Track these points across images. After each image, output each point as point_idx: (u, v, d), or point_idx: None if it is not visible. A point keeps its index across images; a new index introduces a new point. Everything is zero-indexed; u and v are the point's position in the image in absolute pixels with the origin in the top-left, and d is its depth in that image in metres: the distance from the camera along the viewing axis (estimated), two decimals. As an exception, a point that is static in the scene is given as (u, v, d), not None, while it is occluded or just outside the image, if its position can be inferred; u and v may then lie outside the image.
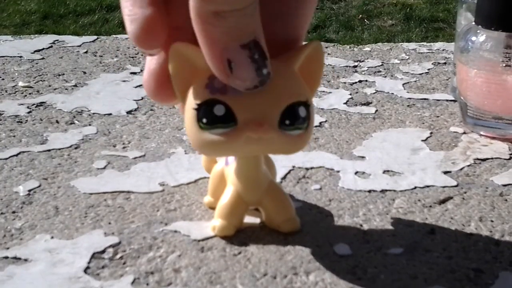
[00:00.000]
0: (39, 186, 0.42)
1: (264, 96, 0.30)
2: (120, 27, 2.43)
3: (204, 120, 0.30)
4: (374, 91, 0.59)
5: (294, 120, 0.31)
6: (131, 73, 0.64)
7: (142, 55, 0.69)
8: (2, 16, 2.59)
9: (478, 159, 0.46)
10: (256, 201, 0.36)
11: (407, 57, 0.69)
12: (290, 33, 0.33)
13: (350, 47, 0.73)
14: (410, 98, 0.58)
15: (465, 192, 0.42)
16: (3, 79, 0.62)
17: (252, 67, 0.29)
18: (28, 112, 0.54)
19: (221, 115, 0.30)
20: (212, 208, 0.38)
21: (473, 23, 0.51)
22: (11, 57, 0.68)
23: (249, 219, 0.37)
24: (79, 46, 0.72)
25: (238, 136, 0.30)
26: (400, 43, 0.74)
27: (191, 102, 0.31)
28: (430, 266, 0.34)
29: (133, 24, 0.30)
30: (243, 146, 0.31)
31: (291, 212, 0.37)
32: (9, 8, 2.67)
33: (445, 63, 0.67)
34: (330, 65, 0.66)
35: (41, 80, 0.61)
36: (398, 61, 0.68)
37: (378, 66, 0.66)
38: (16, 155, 0.46)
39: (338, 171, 0.44)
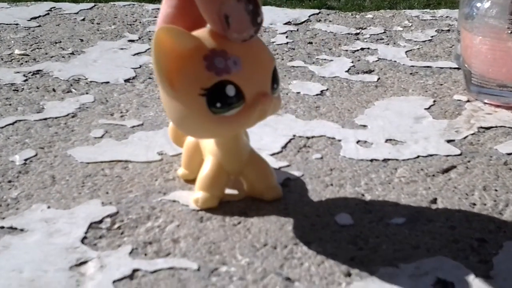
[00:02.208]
0: (36, 155, 0.41)
1: (258, 66, 0.31)
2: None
3: (218, 104, 0.30)
4: (377, 59, 0.58)
5: (277, 82, 0.32)
6: (129, 40, 0.63)
7: (140, 22, 0.68)
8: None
9: (482, 127, 0.45)
10: (237, 171, 0.36)
11: (410, 24, 0.68)
12: None
13: (352, 14, 0.72)
14: (413, 66, 0.57)
15: (469, 161, 0.41)
16: (-1, 47, 0.61)
17: (247, 19, 0.30)
18: (24, 80, 0.53)
19: (233, 95, 0.30)
20: (188, 181, 0.38)
21: (478, -12, 0.49)
22: (7, 24, 0.67)
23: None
24: (76, 13, 0.71)
25: (251, 112, 0.31)
26: (403, 10, 0.73)
27: (193, 88, 0.30)
28: (433, 236, 0.33)
29: None
30: (256, 119, 0.31)
31: (273, 180, 0.36)
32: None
33: (448, 30, 0.66)
34: (332, 32, 0.65)
35: (37, 48, 0.60)
36: (401, 29, 0.66)
37: (381, 33, 0.65)
38: (12, 123, 0.45)
39: (339, 140, 0.43)
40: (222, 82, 0.30)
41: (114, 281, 0.30)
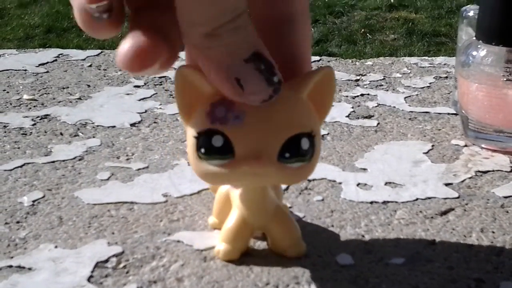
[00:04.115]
0: (43, 196, 0.42)
1: (264, 127, 0.30)
2: (124, 42, 2.44)
3: (202, 150, 0.30)
4: (376, 105, 0.60)
5: (295, 153, 0.30)
6: (135, 86, 0.64)
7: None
8: (6, 30, 2.61)
9: (479, 171, 0.47)
10: (261, 225, 0.35)
11: (409, 71, 0.69)
12: (289, 58, 0.32)
13: (352, 61, 0.73)
14: (411, 112, 0.58)
15: (467, 204, 0.42)
16: (8, 92, 0.62)
17: (261, 78, 0.28)
18: (33, 125, 0.54)
19: (219, 146, 0.30)
20: (217, 229, 0.38)
21: (474, 38, 0.51)
22: (16, 70, 0.69)
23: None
24: (83, 59, 0.73)
25: (235, 169, 0.30)
26: (402, 58, 0.75)
27: (192, 130, 0.31)
28: (432, 276, 0.34)
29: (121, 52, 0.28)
30: (240, 178, 0.30)
31: (297, 237, 0.36)
32: (13, 22, 2.69)
33: (446, 77, 0.68)
34: (332, 79, 0.67)
35: (45, 93, 0.62)
36: (400, 75, 0.68)
37: (380, 80, 0.66)
38: (21, 166, 0.47)
39: (340, 183, 0.44)
40: (211, 130, 0.30)
41: (119, 319, 0.30)
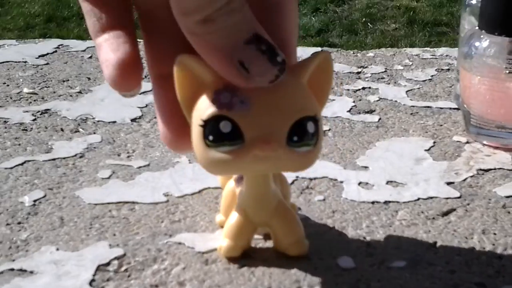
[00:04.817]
0: (44, 196, 0.42)
1: (271, 111, 0.29)
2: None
3: (211, 138, 0.30)
4: (378, 99, 0.59)
5: (303, 136, 0.30)
6: (135, 79, 0.64)
7: (146, 61, 0.69)
8: (6, 19, 2.59)
9: (481, 169, 0.46)
10: (263, 222, 0.35)
11: (411, 63, 0.69)
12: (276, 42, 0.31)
13: (353, 53, 0.73)
14: (413, 106, 0.58)
15: (468, 204, 0.42)
16: (8, 85, 0.62)
17: (265, 58, 0.28)
18: (33, 120, 0.54)
19: (227, 132, 0.29)
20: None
21: (477, 27, 0.50)
22: (15, 62, 0.68)
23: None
24: (84, 51, 0.72)
25: (245, 154, 0.29)
26: (404, 49, 0.75)
27: (197, 118, 0.30)
28: (433, 280, 0.34)
29: (108, 70, 0.29)
30: (250, 164, 0.30)
31: (299, 235, 0.36)
32: (13, 11, 2.67)
33: (448, 69, 0.67)
34: (334, 71, 0.66)
35: (45, 87, 0.62)
36: (402, 67, 0.68)
37: (382, 72, 0.66)
38: (22, 164, 0.46)
39: (341, 182, 0.44)
40: (218, 116, 0.29)
41: (121, 325, 0.31)
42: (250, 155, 0.29)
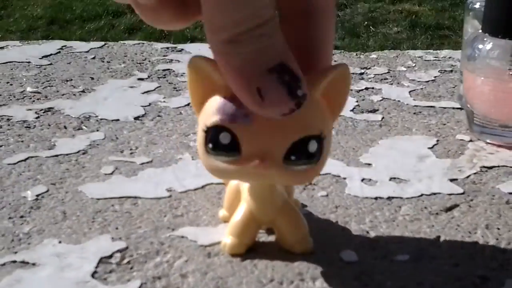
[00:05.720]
0: (47, 191, 0.42)
1: (272, 128, 0.29)
2: (127, 33, 2.45)
3: (210, 145, 0.30)
4: (381, 98, 0.59)
5: (302, 156, 0.30)
6: (139, 79, 0.64)
7: (149, 61, 0.69)
8: (9, 21, 2.60)
9: (484, 167, 0.46)
10: (268, 220, 0.35)
11: (413, 64, 0.69)
12: (307, 52, 0.31)
13: (356, 54, 0.73)
14: (416, 106, 0.58)
15: (472, 200, 0.42)
16: (11, 85, 0.62)
17: (283, 90, 0.27)
18: (36, 118, 0.54)
19: (226, 144, 0.29)
20: (227, 222, 0.38)
21: (480, 31, 0.51)
22: (19, 62, 0.68)
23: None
24: (87, 52, 0.73)
25: (239, 167, 0.29)
26: (407, 51, 0.75)
27: (202, 123, 0.30)
28: (437, 273, 0.34)
29: None
30: (245, 176, 0.31)
31: (304, 233, 0.36)
32: (16, 13, 2.69)
33: (451, 71, 0.67)
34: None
35: (49, 86, 0.62)
36: (405, 69, 0.68)
37: (385, 73, 0.66)
38: (24, 160, 0.46)
39: (344, 178, 0.44)
40: (220, 126, 0.29)
41: (124, 315, 0.30)
42: (244, 170, 0.30)
